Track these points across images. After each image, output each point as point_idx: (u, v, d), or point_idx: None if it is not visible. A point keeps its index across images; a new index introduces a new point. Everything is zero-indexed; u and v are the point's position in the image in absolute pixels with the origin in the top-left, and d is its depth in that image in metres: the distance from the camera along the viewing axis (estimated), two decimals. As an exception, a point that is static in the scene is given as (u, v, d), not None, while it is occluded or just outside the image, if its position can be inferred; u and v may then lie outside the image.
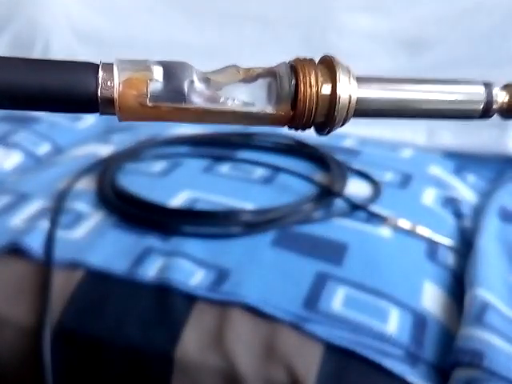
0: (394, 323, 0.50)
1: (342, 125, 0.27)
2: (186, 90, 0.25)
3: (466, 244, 0.62)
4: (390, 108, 0.27)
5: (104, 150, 0.79)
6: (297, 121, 0.26)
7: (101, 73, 0.24)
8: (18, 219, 0.62)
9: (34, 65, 0.24)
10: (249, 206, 0.64)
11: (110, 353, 0.51)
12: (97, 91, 0.24)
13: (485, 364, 0.44)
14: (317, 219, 0.64)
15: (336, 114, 0.26)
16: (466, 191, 0.75)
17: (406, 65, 0.94)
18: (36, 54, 1.02)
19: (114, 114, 0.25)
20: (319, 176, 0.73)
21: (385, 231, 0.62)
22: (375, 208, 0.66)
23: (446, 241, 0.62)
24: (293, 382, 0.46)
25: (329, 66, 0.26)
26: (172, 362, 0.49)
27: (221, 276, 0.54)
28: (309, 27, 1.01)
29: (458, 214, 0.69)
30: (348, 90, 0.26)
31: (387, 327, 0.50)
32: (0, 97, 0.23)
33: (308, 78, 0.25)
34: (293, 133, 0.86)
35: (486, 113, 0.29)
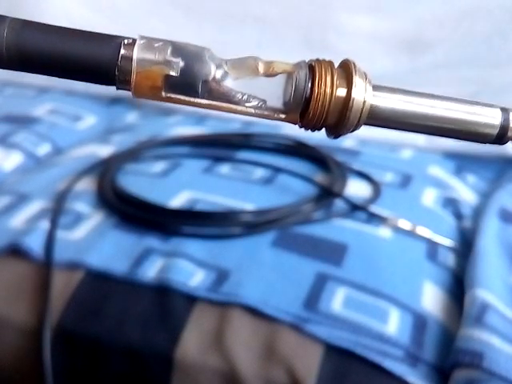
0: (394, 324, 0.50)
1: (353, 130, 0.27)
2: (199, 88, 0.25)
3: (466, 244, 0.62)
4: (403, 120, 0.27)
5: (104, 151, 0.79)
6: (308, 120, 0.26)
7: (123, 51, 0.25)
8: (17, 220, 0.62)
9: (61, 32, 0.25)
10: (249, 206, 0.64)
11: (109, 353, 0.51)
12: (115, 71, 0.25)
13: (485, 364, 0.44)
14: (317, 220, 0.64)
15: (348, 117, 0.26)
16: (466, 192, 0.75)
17: (406, 65, 0.94)
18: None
19: (129, 90, 0.26)
20: (319, 176, 0.73)
21: (385, 232, 0.62)
22: (375, 208, 0.66)
23: (446, 241, 0.62)
24: (293, 383, 0.46)
25: (347, 69, 0.26)
26: (172, 362, 0.49)
27: (221, 277, 0.54)
28: (309, 27, 1.01)
29: (458, 215, 0.69)
30: (363, 95, 0.25)
31: (387, 328, 0.50)
32: (27, 59, 0.24)
33: (324, 79, 0.25)
34: (293, 133, 0.86)
35: (499, 138, 0.28)
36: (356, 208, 0.66)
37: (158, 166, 0.74)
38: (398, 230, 0.63)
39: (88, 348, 0.52)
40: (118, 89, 0.26)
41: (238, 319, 0.50)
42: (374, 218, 0.64)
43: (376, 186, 0.71)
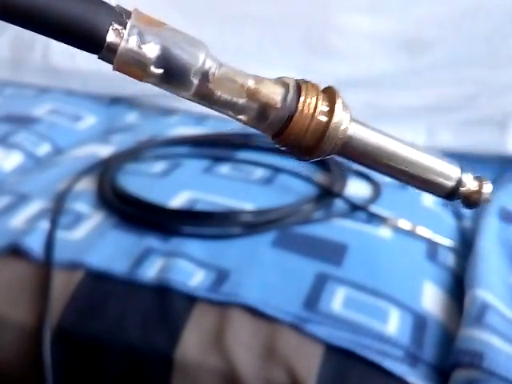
0: (394, 324, 0.50)
1: (325, 156, 0.27)
2: (180, 90, 0.26)
3: (466, 244, 0.62)
4: (373, 156, 0.28)
5: (104, 151, 0.79)
6: (285, 136, 0.27)
7: (110, 37, 0.24)
8: (17, 220, 0.62)
9: None
10: (249, 206, 0.64)
11: (109, 353, 0.51)
12: (103, 45, 0.24)
13: (485, 365, 0.44)
14: (317, 220, 0.64)
15: (325, 141, 0.26)
16: (466, 192, 0.75)
17: (406, 65, 0.93)
18: (36, 54, 1.02)
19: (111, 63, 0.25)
20: (319, 176, 0.73)
21: (385, 232, 0.62)
22: (375, 208, 0.66)
23: (446, 241, 0.62)
24: (293, 383, 0.46)
25: (331, 96, 0.27)
26: (172, 362, 0.49)
27: (221, 277, 0.54)
28: (309, 27, 1.01)
29: (457, 215, 0.69)
30: (342, 124, 0.26)
31: (387, 328, 0.50)
32: (17, 13, 0.23)
33: (309, 101, 0.26)
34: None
35: (452, 193, 0.29)
36: (356, 208, 0.66)
37: (158, 166, 0.74)
38: (398, 229, 0.63)
39: (88, 348, 0.52)
40: (99, 58, 0.25)
41: (238, 319, 0.50)
42: (374, 218, 0.64)
43: (376, 186, 0.71)
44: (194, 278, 0.54)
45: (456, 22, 0.95)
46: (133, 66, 0.25)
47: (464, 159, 0.91)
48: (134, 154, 0.77)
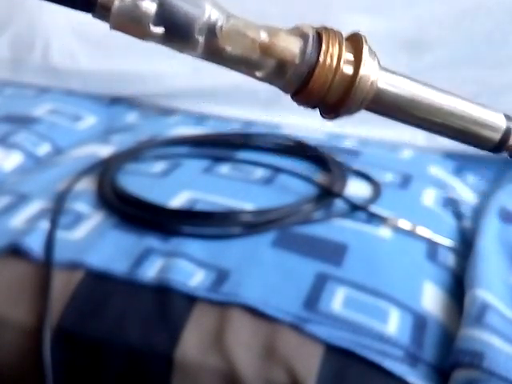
0: (394, 324, 0.50)
1: (353, 112, 0.24)
2: (186, 49, 0.23)
3: (466, 244, 0.62)
4: (407, 110, 0.25)
5: (104, 151, 0.79)
6: (306, 94, 0.24)
7: None
8: (18, 220, 0.62)
9: None
10: (249, 206, 0.64)
11: (109, 353, 0.51)
12: (95, 3, 0.22)
13: (485, 364, 0.44)
14: (317, 220, 0.64)
15: (351, 96, 0.23)
16: (465, 192, 0.75)
17: (406, 65, 0.93)
18: (36, 53, 1.02)
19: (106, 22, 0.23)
20: (319, 176, 0.73)
21: (385, 232, 0.62)
22: (375, 208, 0.65)
23: (446, 241, 0.62)
24: (293, 383, 0.46)
25: (356, 44, 0.24)
26: (172, 362, 0.49)
27: (221, 277, 0.54)
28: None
29: (457, 215, 0.69)
30: (371, 75, 0.23)
31: (387, 328, 0.50)
32: None
33: (331, 51, 0.23)
34: (293, 133, 0.86)
35: (500, 145, 0.26)
36: (356, 208, 0.66)
37: (158, 166, 0.74)
38: (398, 229, 0.63)
39: (88, 348, 0.51)
40: (94, 17, 0.23)
41: (238, 319, 0.50)
42: (374, 218, 0.64)
43: (376, 185, 0.71)
44: (193, 278, 0.54)
45: (456, 22, 0.95)
46: (130, 25, 0.22)
47: (464, 159, 0.91)
48: (133, 154, 0.77)
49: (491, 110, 0.27)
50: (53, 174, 0.73)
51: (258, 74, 0.24)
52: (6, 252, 0.57)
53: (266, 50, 0.23)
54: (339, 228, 0.63)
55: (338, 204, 0.67)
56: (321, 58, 0.23)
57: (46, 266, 0.56)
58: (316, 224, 0.63)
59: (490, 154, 0.86)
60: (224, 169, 0.75)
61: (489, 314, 0.49)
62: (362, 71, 0.23)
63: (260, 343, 0.49)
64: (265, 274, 0.55)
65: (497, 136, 0.26)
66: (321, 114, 0.25)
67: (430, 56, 0.94)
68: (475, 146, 0.27)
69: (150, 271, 0.55)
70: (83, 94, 0.99)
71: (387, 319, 0.51)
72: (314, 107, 0.25)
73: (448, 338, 0.50)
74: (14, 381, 0.54)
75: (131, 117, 0.96)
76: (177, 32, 0.23)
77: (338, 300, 0.52)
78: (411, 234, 0.62)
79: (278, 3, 1.02)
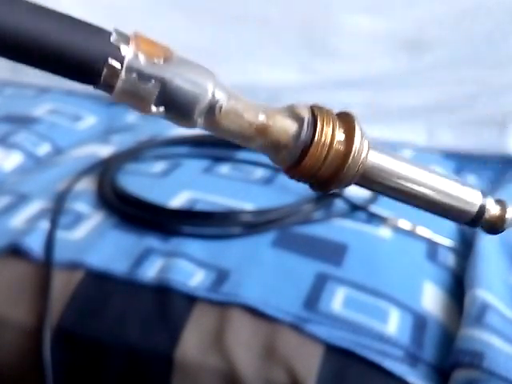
0: (394, 324, 0.50)
1: (342, 187, 0.26)
2: (186, 125, 0.25)
3: (466, 245, 0.62)
4: (392, 185, 0.27)
5: (104, 151, 0.79)
6: (300, 169, 0.25)
7: (106, 71, 0.22)
8: (17, 220, 0.62)
9: (60, 19, 0.22)
10: (249, 206, 0.64)
11: (109, 353, 0.51)
12: (99, 83, 0.23)
13: (485, 365, 0.44)
14: (317, 220, 0.64)
15: (344, 173, 0.24)
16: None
17: (406, 65, 0.93)
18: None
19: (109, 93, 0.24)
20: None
21: (385, 232, 0.62)
22: (375, 208, 0.66)
23: (446, 241, 0.62)
24: (293, 383, 0.46)
25: (348, 124, 0.25)
26: (172, 362, 0.49)
27: (221, 277, 0.54)
28: (309, 28, 1.01)
29: (457, 215, 0.69)
30: (362, 153, 0.25)
31: (387, 328, 0.50)
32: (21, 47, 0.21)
33: (326, 130, 0.24)
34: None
35: (475, 220, 0.28)
36: (356, 208, 0.66)
37: (158, 166, 0.74)
38: (398, 230, 0.63)
39: (88, 348, 0.51)
40: (95, 88, 0.24)
41: (238, 319, 0.50)
42: (374, 218, 0.64)
43: (376, 185, 0.71)
44: (193, 278, 0.54)
45: (456, 22, 0.95)
46: (132, 102, 0.24)
47: (464, 159, 0.91)
48: (133, 154, 0.77)
49: (469, 186, 0.29)
50: (53, 174, 0.73)
51: (252, 145, 0.26)
52: (6, 252, 0.57)
53: (261, 131, 0.25)
54: (339, 228, 0.63)
55: (338, 204, 0.67)
56: (315, 138, 0.24)
57: (45, 265, 0.56)
58: (316, 224, 0.63)
59: (490, 154, 0.86)
60: (224, 169, 0.75)
61: (489, 314, 0.49)
62: (354, 150, 0.24)
63: (260, 343, 0.49)
64: (265, 273, 0.55)
65: (473, 210, 0.28)
66: (311, 187, 0.27)
67: (430, 56, 0.94)
68: (453, 220, 0.30)
69: (150, 271, 0.55)
70: (83, 94, 0.98)
71: (387, 319, 0.51)
72: (305, 182, 0.26)
73: (448, 338, 0.50)
74: (14, 381, 0.54)
75: (131, 117, 0.96)
76: (177, 112, 0.24)
77: (338, 300, 0.52)
78: (411, 233, 0.62)
79: (278, 4, 1.02)
